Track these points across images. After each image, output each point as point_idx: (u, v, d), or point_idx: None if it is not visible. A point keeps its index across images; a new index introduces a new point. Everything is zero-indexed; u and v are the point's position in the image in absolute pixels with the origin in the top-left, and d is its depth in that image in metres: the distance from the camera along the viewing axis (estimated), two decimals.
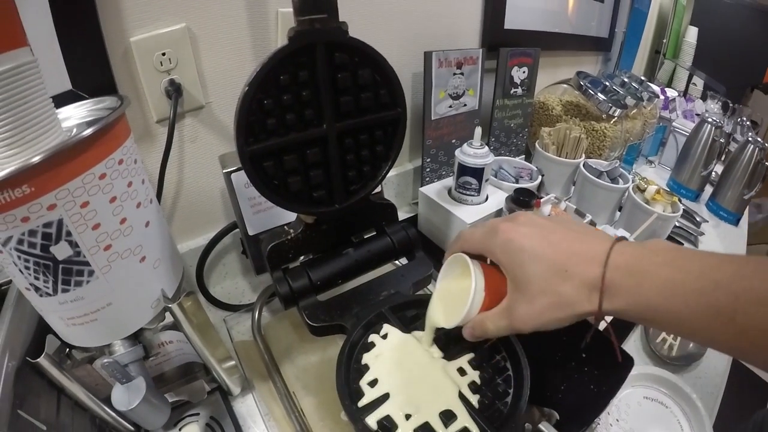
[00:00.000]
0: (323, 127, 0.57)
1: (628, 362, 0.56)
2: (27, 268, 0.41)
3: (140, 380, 0.54)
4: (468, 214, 0.92)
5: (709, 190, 1.59)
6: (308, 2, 0.51)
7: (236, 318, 0.86)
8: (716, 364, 0.90)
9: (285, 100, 0.53)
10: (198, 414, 0.67)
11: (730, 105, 2.23)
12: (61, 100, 0.43)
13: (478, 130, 0.89)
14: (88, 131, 0.39)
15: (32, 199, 0.37)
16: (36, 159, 0.35)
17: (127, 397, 0.52)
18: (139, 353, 0.55)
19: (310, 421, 0.67)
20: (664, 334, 0.91)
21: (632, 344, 0.91)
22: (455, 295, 0.50)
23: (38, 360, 0.47)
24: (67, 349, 0.52)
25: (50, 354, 0.49)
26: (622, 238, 0.44)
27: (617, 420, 0.74)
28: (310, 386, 0.72)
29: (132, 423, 0.58)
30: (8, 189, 0.35)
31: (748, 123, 2.06)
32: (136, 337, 0.54)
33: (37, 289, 0.43)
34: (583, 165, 1.15)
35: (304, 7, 0.51)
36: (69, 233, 0.41)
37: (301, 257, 0.68)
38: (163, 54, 0.70)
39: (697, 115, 2.02)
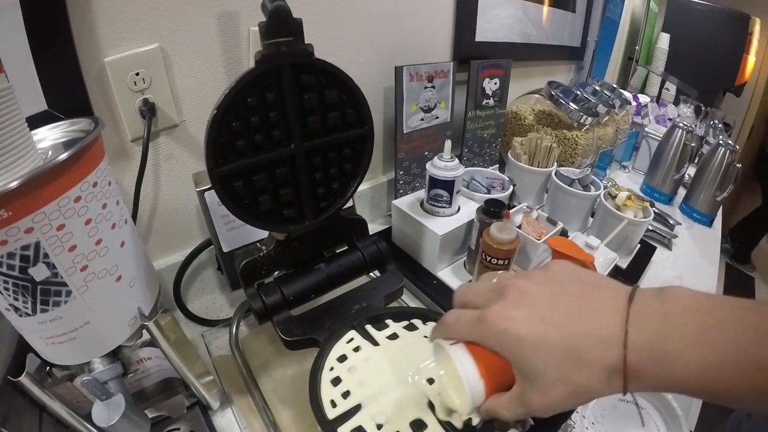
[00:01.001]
0: (291, 147, 0.58)
1: None
2: (6, 289, 0.42)
3: (119, 397, 0.54)
4: (440, 225, 0.93)
5: (682, 192, 1.63)
6: (274, 26, 0.52)
7: (214, 333, 0.86)
8: None
9: (253, 122, 0.54)
10: (178, 429, 0.68)
11: (703, 108, 2.28)
12: (36, 121, 0.43)
13: (448, 143, 0.91)
14: (63, 156, 0.40)
15: (10, 223, 0.38)
16: (13, 185, 0.36)
17: (107, 413, 0.53)
18: (118, 370, 0.56)
19: None
20: None
21: None
22: (457, 381, 0.45)
23: (19, 379, 0.48)
24: (48, 368, 0.53)
25: (31, 372, 0.49)
26: (634, 292, 0.39)
27: (593, 423, 0.75)
28: (287, 399, 0.72)
29: None
30: None
31: (720, 126, 2.10)
32: (114, 355, 0.55)
33: (16, 309, 0.43)
34: (555, 173, 1.17)
35: (270, 31, 0.52)
36: (46, 255, 0.42)
37: (275, 273, 0.69)
38: (137, 74, 0.71)
39: (670, 119, 2.06)
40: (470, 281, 0.94)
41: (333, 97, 0.59)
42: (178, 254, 0.88)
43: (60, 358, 0.50)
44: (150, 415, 0.63)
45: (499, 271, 0.74)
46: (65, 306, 0.45)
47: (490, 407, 0.43)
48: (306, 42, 0.55)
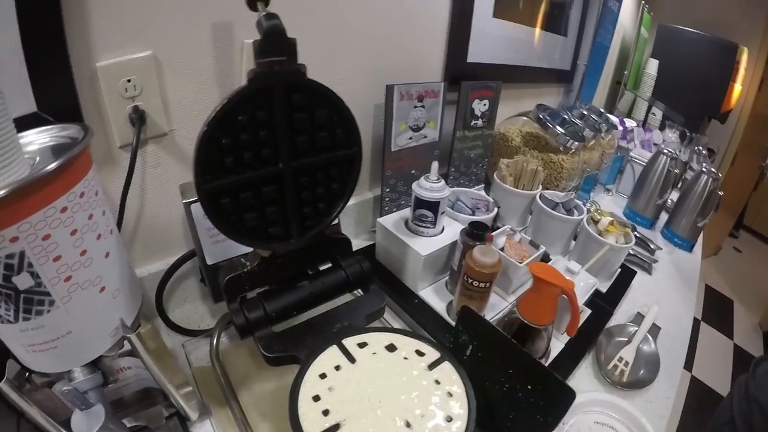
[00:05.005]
0: (279, 166, 0.59)
1: (569, 395, 0.58)
2: None
3: (99, 407, 0.55)
4: (423, 246, 0.94)
5: (664, 217, 1.65)
6: (268, 45, 0.53)
7: (195, 343, 0.86)
8: (666, 388, 0.93)
9: (242, 140, 0.55)
10: None
11: (688, 134, 2.32)
12: (25, 122, 0.43)
13: (435, 165, 0.92)
14: (51, 166, 0.40)
15: None
16: None
17: (86, 423, 0.53)
18: (98, 380, 0.56)
19: None
20: (615, 360, 0.94)
21: (584, 370, 0.94)
22: None
23: None
24: (27, 374, 0.52)
25: (11, 379, 0.49)
26: None
27: None
28: (266, 413, 0.72)
29: None
30: None
31: (704, 151, 2.14)
32: (95, 364, 0.55)
33: None
34: (540, 197, 1.18)
35: (264, 50, 0.53)
36: (30, 264, 0.42)
37: (258, 289, 0.69)
38: (129, 80, 0.70)
39: (655, 144, 2.10)
40: (451, 302, 0.95)
41: (323, 118, 0.60)
42: (161, 262, 0.87)
43: (41, 365, 0.50)
44: (128, 425, 0.63)
45: None
46: (48, 315, 0.45)
47: None
48: (299, 61, 0.56)
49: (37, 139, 0.51)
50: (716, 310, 3.38)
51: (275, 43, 0.54)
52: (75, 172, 0.45)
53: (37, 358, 0.48)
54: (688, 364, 2.70)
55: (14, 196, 0.38)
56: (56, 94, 0.64)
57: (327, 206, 0.67)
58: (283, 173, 0.60)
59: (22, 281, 0.42)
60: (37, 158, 0.48)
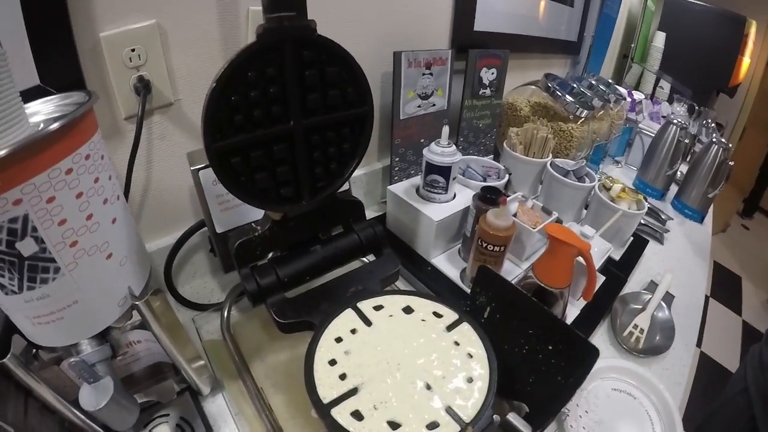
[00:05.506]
0: (290, 124, 0.58)
1: (593, 353, 0.57)
2: None
3: (108, 380, 0.53)
4: (436, 211, 0.93)
5: (674, 189, 1.65)
6: (278, 0, 0.51)
7: (205, 317, 0.85)
8: (683, 356, 0.93)
9: (252, 97, 0.53)
10: (168, 414, 0.66)
11: (696, 108, 2.29)
12: (28, 96, 0.42)
13: (446, 129, 0.90)
14: (55, 125, 0.39)
15: None
16: (1, 153, 0.35)
17: (94, 397, 0.51)
18: (107, 352, 0.54)
19: (280, 419, 0.67)
20: (630, 327, 0.94)
21: (599, 337, 0.93)
22: None
23: (4, 361, 0.46)
24: (34, 350, 0.51)
25: (17, 355, 0.48)
26: None
27: (586, 412, 0.76)
28: (280, 384, 0.72)
29: (101, 425, 0.57)
30: None
31: (713, 125, 2.12)
32: (103, 336, 0.53)
33: (2, 286, 0.42)
34: (550, 164, 1.17)
35: (273, 5, 0.51)
36: (35, 229, 0.40)
37: (269, 255, 0.68)
38: (133, 50, 0.69)
39: (663, 117, 2.07)
40: (464, 269, 0.94)
41: (334, 75, 0.59)
42: (169, 237, 0.87)
43: (47, 339, 0.48)
44: (139, 401, 0.61)
45: None
46: (53, 283, 0.43)
47: None
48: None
49: (42, 108, 0.50)
50: (724, 286, 3.38)
51: None
52: (80, 134, 0.43)
53: (44, 330, 0.47)
54: (698, 340, 2.70)
55: (17, 156, 0.36)
56: (59, 65, 0.63)
57: (338, 167, 0.66)
58: (293, 131, 0.58)
59: (26, 247, 0.40)
60: (41, 126, 0.45)
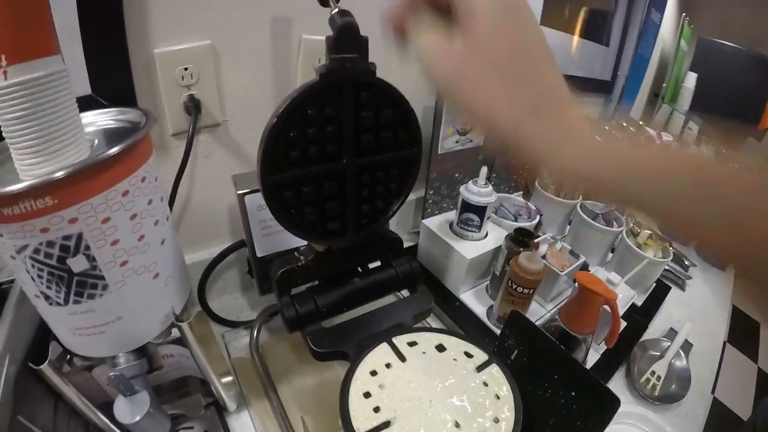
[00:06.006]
0: (343, 162, 0.59)
1: (615, 403, 0.58)
2: (40, 276, 0.41)
3: (144, 394, 0.54)
4: (468, 249, 0.94)
5: None
6: (342, 42, 0.53)
7: (234, 334, 0.87)
8: (697, 406, 0.93)
9: (310, 134, 0.55)
10: (193, 428, 0.67)
11: (723, 151, 2.27)
12: (79, 105, 0.43)
13: (484, 170, 0.92)
14: (116, 149, 0.40)
15: (54, 211, 0.37)
16: (60, 174, 0.36)
17: (130, 410, 0.53)
18: (144, 367, 0.55)
19: None
20: (648, 374, 0.94)
21: (617, 382, 0.93)
22: None
23: (41, 367, 0.47)
24: (69, 356, 0.52)
25: (53, 361, 0.48)
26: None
27: None
28: (306, 408, 0.73)
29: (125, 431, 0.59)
30: (30, 199, 0.36)
31: None
32: (141, 351, 0.54)
33: (47, 297, 0.43)
34: (580, 206, 1.18)
35: (337, 46, 0.53)
36: (87, 247, 0.41)
37: (308, 283, 0.70)
38: (186, 69, 0.71)
39: None
40: (491, 306, 0.95)
41: (389, 117, 0.60)
42: (204, 252, 0.88)
43: (86, 350, 0.50)
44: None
45: None
46: (99, 299, 0.44)
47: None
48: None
49: (96, 120, 0.51)
50: (742, 332, 3.31)
51: (348, 40, 0.53)
52: (138, 156, 0.44)
53: (83, 341, 0.48)
54: (712, 386, 2.65)
55: (77, 177, 0.37)
56: (112, 78, 0.65)
57: (384, 204, 0.67)
58: (346, 169, 0.60)
59: (77, 264, 0.41)
60: (96, 140, 0.47)
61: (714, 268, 1.52)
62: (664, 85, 2.34)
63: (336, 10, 0.53)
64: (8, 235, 0.38)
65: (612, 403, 0.58)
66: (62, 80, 0.38)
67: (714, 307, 1.31)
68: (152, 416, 0.54)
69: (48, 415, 0.51)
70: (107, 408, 0.55)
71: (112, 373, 0.51)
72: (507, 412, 0.56)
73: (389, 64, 0.94)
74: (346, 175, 0.60)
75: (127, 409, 0.53)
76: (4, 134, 0.37)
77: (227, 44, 0.74)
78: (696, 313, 1.21)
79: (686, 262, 1.44)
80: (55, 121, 0.38)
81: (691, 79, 2.53)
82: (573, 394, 0.62)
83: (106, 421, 0.56)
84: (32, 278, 0.41)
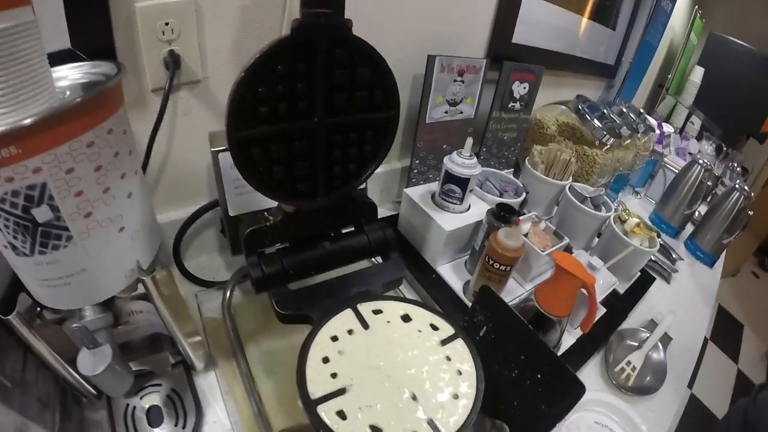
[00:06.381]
0: (314, 121, 0.58)
1: (579, 390, 0.58)
2: (6, 226, 0.41)
3: (107, 347, 0.55)
4: (448, 221, 0.94)
5: (689, 228, 1.63)
6: None
7: (208, 294, 0.87)
8: (670, 400, 0.93)
9: (279, 90, 0.54)
10: (160, 385, 0.68)
11: (724, 149, 2.26)
12: (58, 58, 0.43)
13: (469, 141, 0.91)
14: (80, 98, 0.39)
15: (18, 161, 0.37)
16: (26, 122, 0.36)
17: (92, 362, 0.54)
18: (109, 321, 0.56)
19: (267, 404, 0.68)
20: (623, 363, 0.94)
21: (591, 368, 0.94)
22: None
23: (9, 317, 0.47)
24: (39, 309, 0.53)
25: (21, 312, 0.49)
26: None
27: None
28: (271, 370, 0.74)
29: (94, 387, 0.60)
30: None
31: (738, 169, 2.09)
32: (106, 304, 0.55)
33: (14, 247, 0.43)
34: (569, 188, 1.17)
35: (311, 1, 0.51)
36: (51, 197, 0.41)
37: (277, 245, 0.69)
38: (167, 24, 0.70)
39: (690, 153, 2.06)
40: (468, 281, 0.95)
41: (364, 77, 0.59)
42: (182, 210, 0.88)
43: (53, 301, 0.50)
44: (134, 368, 0.63)
45: None
46: (64, 250, 0.44)
47: None
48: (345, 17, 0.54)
49: (69, 74, 0.50)
50: (725, 332, 3.34)
51: None
52: (105, 107, 0.44)
53: (50, 293, 0.48)
54: (690, 382, 2.68)
55: (40, 126, 0.37)
56: (91, 32, 0.64)
57: (357, 168, 0.66)
58: (316, 129, 0.59)
59: (42, 214, 0.41)
60: (67, 93, 0.47)
61: (701, 263, 1.53)
62: (670, 76, 2.32)
63: None
64: None
65: (577, 390, 0.58)
66: (32, 31, 0.38)
67: (698, 303, 1.31)
68: (114, 370, 0.55)
69: (17, 366, 0.52)
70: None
71: (75, 325, 0.52)
72: (468, 389, 0.56)
73: (378, 24, 0.94)
74: (316, 134, 0.59)
75: (89, 362, 0.54)
76: None
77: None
78: (679, 307, 1.21)
79: (674, 255, 1.45)
80: (23, 71, 0.37)
81: (698, 73, 2.52)
82: (539, 376, 0.62)
83: (75, 374, 0.57)
84: None
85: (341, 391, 0.52)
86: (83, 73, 0.51)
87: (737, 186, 1.49)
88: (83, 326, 0.52)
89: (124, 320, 0.63)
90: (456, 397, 0.54)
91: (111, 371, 0.54)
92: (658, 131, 1.77)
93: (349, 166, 0.65)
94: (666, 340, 1.05)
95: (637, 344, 1.00)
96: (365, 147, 0.65)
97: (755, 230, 3.78)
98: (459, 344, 0.61)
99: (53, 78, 0.43)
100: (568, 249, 1.06)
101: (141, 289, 0.56)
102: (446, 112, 1.10)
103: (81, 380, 0.58)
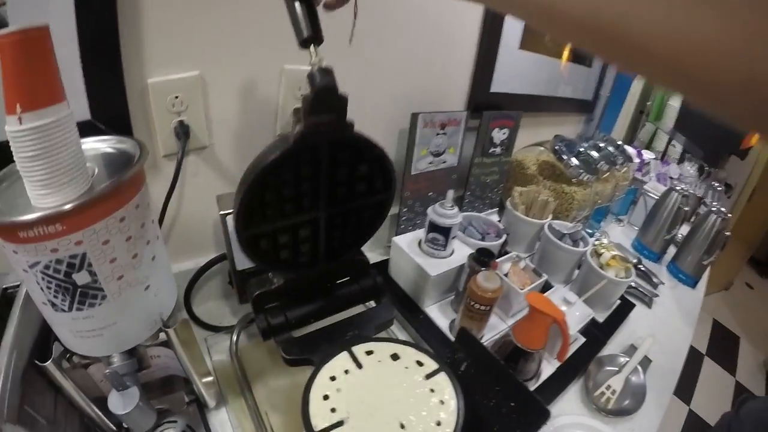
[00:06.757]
0: (317, 213, 0.65)
1: (544, 415, 0.66)
2: (48, 287, 0.47)
3: (134, 389, 0.62)
4: (433, 266, 1.00)
5: (672, 251, 1.66)
6: (319, 103, 0.53)
7: (215, 338, 0.93)
8: (650, 419, 0.97)
9: (284, 194, 0.60)
10: (176, 421, 0.73)
11: (706, 168, 2.32)
12: (79, 129, 0.47)
13: (450, 193, 0.98)
14: (114, 184, 0.47)
15: (63, 236, 0.44)
16: (68, 207, 0.43)
17: (122, 402, 0.61)
18: (135, 366, 0.63)
19: None
20: (603, 388, 0.98)
21: (572, 394, 0.98)
22: None
23: (46, 364, 0.54)
24: (69, 355, 0.59)
25: (56, 359, 0.56)
26: None
27: None
28: (278, 406, 0.80)
29: (115, 423, 0.67)
30: (43, 226, 0.42)
31: (720, 188, 2.14)
32: (131, 351, 0.61)
33: (54, 305, 0.49)
34: (548, 226, 1.23)
35: (314, 107, 0.53)
36: (90, 264, 0.47)
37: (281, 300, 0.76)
38: (176, 97, 0.76)
39: (671, 178, 2.11)
40: (454, 320, 1.01)
41: (365, 170, 0.65)
42: (190, 261, 0.94)
43: (84, 349, 0.56)
44: None
45: None
46: (99, 307, 0.51)
47: None
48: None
49: (96, 147, 0.57)
50: (721, 345, 3.33)
51: (326, 101, 0.53)
52: (133, 186, 0.51)
53: (83, 342, 0.54)
54: (687, 397, 2.70)
55: (82, 208, 0.44)
56: (109, 104, 0.70)
57: (355, 240, 0.74)
58: (319, 218, 0.66)
59: (81, 278, 0.48)
60: (96, 169, 0.52)
61: (683, 285, 1.56)
62: (649, 103, 2.39)
63: (318, 66, 0.53)
64: (23, 253, 0.45)
65: (542, 415, 0.67)
66: (68, 123, 0.43)
67: (679, 324, 1.33)
68: (141, 409, 0.63)
69: (49, 406, 0.58)
70: (100, 402, 0.63)
71: (107, 370, 0.59)
72: (449, 417, 0.63)
73: (362, 84, 1.01)
74: (319, 222, 0.66)
75: (119, 402, 0.61)
76: (19, 170, 0.43)
77: (214, 74, 0.80)
78: (660, 330, 1.24)
79: (655, 280, 1.48)
80: (62, 158, 0.43)
81: (676, 98, 2.58)
82: (512, 404, 0.70)
83: (99, 413, 0.64)
84: (41, 288, 0.47)
85: (339, 423, 0.60)
86: (108, 145, 0.58)
87: (714, 209, 1.53)
88: (115, 371, 0.59)
89: (146, 365, 0.69)
90: (438, 424, 0.62)
91: (138, 410, 0.62)
92: (637, 159, 1.82)
93: (347, 240, 0.73)
94: (646, 363, 1.08)
95: (617, 369, 1.03)
96: (362, 224, 0.72)
97: (745, 243, 3.81)
98: (442, 377, 0.68)
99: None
100: (546, 285, 1.12)
101: (161, 337, 0.63)
102: (431, 163, 1.16)
103: (103, 417, 0.65)
